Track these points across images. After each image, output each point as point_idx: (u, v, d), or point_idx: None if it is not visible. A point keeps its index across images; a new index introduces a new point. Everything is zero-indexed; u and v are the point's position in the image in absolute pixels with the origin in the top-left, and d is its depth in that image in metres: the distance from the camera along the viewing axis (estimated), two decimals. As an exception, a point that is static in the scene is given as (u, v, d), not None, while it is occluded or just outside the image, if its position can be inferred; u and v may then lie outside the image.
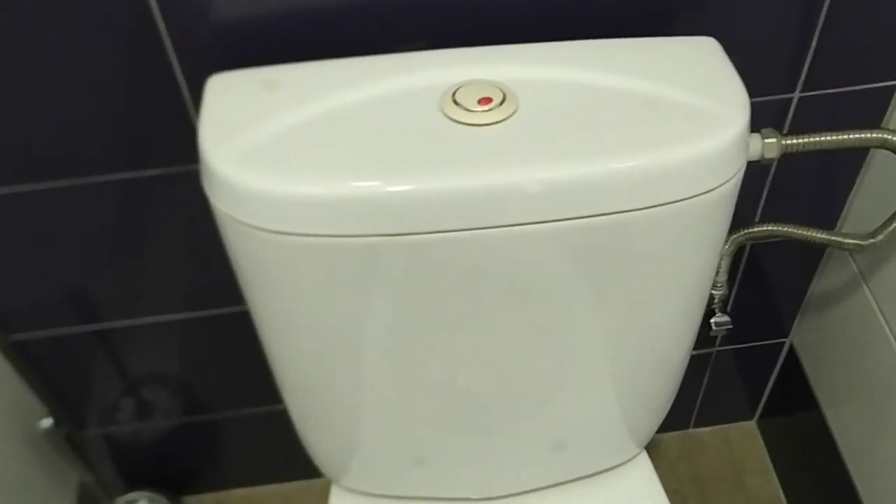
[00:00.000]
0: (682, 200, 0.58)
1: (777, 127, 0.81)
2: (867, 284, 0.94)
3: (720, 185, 0.58)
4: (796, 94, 0.78)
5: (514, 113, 0.58)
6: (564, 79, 0.61)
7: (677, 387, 0.78)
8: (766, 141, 0.67)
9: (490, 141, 0.56)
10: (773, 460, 1.26)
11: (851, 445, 1.06)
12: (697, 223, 0.60)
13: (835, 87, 0.78)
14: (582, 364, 0.70)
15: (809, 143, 0.67)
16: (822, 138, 0.68)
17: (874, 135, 0.67)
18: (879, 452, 1.00)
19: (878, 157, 0.87)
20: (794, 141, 0.67)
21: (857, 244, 0.80)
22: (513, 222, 0.56)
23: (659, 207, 0.57)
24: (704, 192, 0.58)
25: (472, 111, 0.58)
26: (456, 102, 0.58)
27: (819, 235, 0.82)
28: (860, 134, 0.67)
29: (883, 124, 0.83)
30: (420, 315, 0.62)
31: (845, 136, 0.68)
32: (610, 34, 0.68)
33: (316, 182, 0.54)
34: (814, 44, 0.74)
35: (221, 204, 0.57)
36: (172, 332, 0.94)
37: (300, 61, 0.63)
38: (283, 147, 0.56)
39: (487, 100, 0.58)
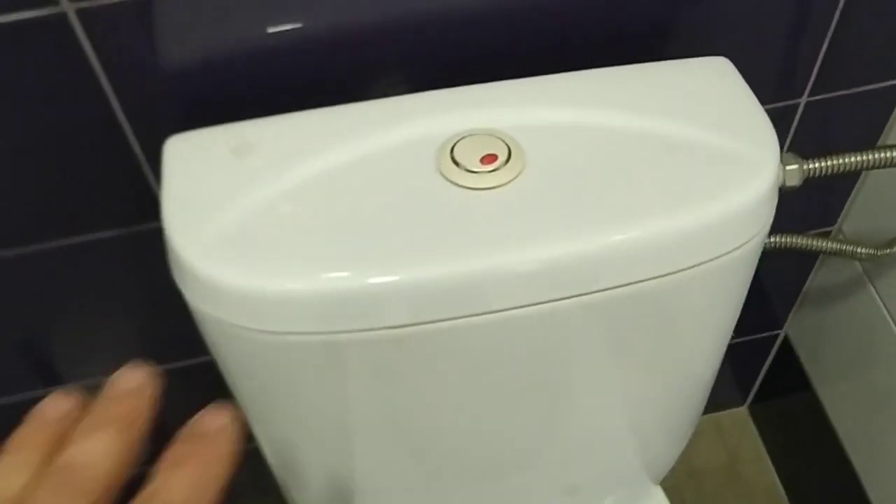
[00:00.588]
0: (713, 260, 0.52)
1: (782, 134, 0.75)
2: (869, 279, 0.90)
3: (753, 238, 0.53)
4: (803, 100, 0.73)
5: (521, 171, 0.51)
6: (574, 122, 0.54)
7: (697, 422, 0.73)
8: (788, 168, 0.61)
9: (498, 209, 0.50)
10: (766, 446, 1.24)
11: (847, 425, 1.04)
12: (728, 278, 0.55)
13: (842, 90, 0.73)
14: (600, 419, 0.64)
15: (833, 165, 0.62)
16: (846, 160, 0.62)
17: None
18: (876, 431, 0.98)
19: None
20: (817, 165, 0.62)
21: (871, 254, 0.75)
22: (527, 303, 0.50)
23: (688, 270, 0.51)
24: (737, 248, 0.52)
25: (474, 172, 0.51)
26: (455, 161, 0.51)
27: (831, 245, 0.77)
28: (885, 153, 0.62)
29: (889, 123, 0.78)
30: (421, 402, 0.56)
31: (869, 157, 0.62)
32: (611, 53, 0.61)
33: (298, 277, 0.47)
34: (824, 47, 0.68)
35: (195, 299, 0.50)
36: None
37: (268, 110, 0.55)
38: (262, 231, 0.49)
39: (492, 157, 0.51)
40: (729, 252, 0.52)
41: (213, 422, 0.29)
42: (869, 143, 0.81)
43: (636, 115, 0.54)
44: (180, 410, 0.91)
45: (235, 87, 0.58)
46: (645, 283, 0.51)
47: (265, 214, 0.50)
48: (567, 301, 0.50)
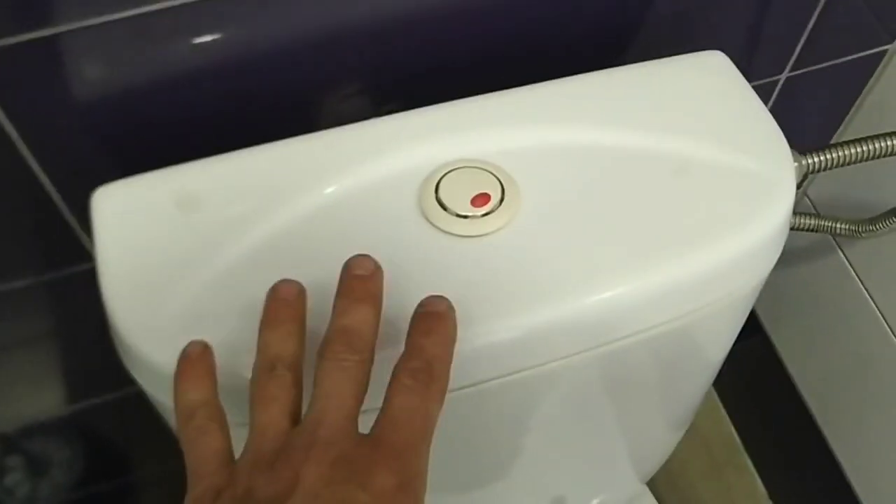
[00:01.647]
0: (731, 293, 0.47)
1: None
2: (837, 243, 0.88)
3: (771, 265, 0.48)
4: (784, 75, 0.68)
5: (516, 213, 0.45)
6: (568, 144, 0.48)
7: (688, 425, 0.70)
8: (787, 168, 0.56)
9: (497, 261, 0.43)
10: (720, 396, 1.24)
11: (801, 370, 1.03)
12: (742, 305, 0.50)
13: (823, 62, 0.68)
14: (596, 441, 0.60)
15: (832, 159, 0.57)
16: (846, 152, 0.57)
17: (899, 141, 0.58)
18: (831, 371, 0.97)
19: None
20: (817, 159, 0.57)
21: (852, 230, 0.72)
22: (537, 363, 0.44)
23: (706, 307, 0.47)
24: (756, 278, 0.47)
25: (465, 217, 0.44)
26: (442, 204, 0.44)
27: (806, 221, 0.74)
28: (883, 142, 0.58)
29: (866, 91, 0.74)
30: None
31: (870, 146, 0.58)
32: (592, 52, 0.54)
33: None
34: (812, 22, 0.63)
35: (152, 389, 0.43)
36: (63, 425, 0.78)
37: (208, 144, 0.47)
38: (222, 307, 0.42)
39: (484, 197, 0.45)
40: (748, 282, 0.47)
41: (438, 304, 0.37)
42: (842, 113, 0.77)
43: (635, 131, 0.48)
44: (129, 438, 0.83)
45: (167, 119, 0.49)
46: (660, 326, 0.46)
47: (225, 287, 0.42)
48: (580, 356, 0.45)
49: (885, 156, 0.58)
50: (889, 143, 0.58)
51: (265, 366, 0.35)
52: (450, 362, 0.36)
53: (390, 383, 0.35)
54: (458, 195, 0.44)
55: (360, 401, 0.34)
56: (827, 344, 0.96)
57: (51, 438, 0.93)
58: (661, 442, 0.68)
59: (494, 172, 0.46)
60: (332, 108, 0.53)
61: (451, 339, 0.36)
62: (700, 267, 0.44)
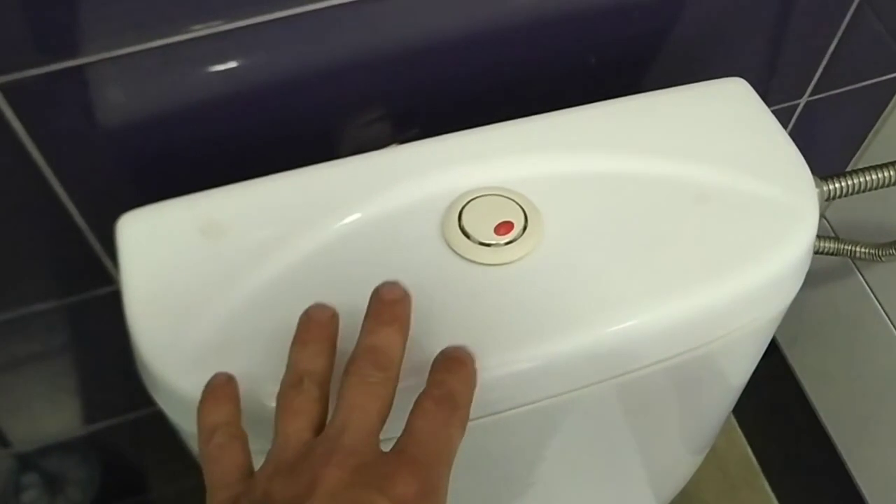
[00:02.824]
0: (755, 320, 0.47)
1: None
2: (855, 266, 0.88)
3: (795, 291, 0.48)
4: (804, 99, 0.68)
5: (540, 241, 0.45)
6: (590, 171, 0.48)
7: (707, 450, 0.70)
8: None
9: (522, 288, 0.43)
10: (736, 416, 1.23)
11: (819, 389, 1.03)
12: (766, 331, 0.50)
13: (843, 87, 0.68)
14: (618, 468, 0.60)
15: (853, 185, 0.57)
16: (866, 178, 0.57)
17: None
18: (844, 392, 0.97)
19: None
20: (838, 185, 0.57)
21: (871, 254, 0.72)
22: (560, 392, 0.44)
23: (730, 334, 0.46)
24: (774, 308, 0.47)
25: (489, 245, 0.44)
26: (465, 232, 0.44)
27: (825, 245, 0.74)
28: (900, 169, 0.58)
29: (885, 114, 0.74)
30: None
31: (891, 172, 0.58)
32: (611, 80, 0.55)
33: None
34: (831, 48, 0.63)
35: (177, 417, 0.43)
36: (80, 444, 0.79)
37: (230, 171, 0.47)
38: (248, 334, 0.42)
39: (507, 226, 0.45)
40: (772, 310, 0.47)
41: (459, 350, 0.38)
42: (861, 137, 0.77)
43: (658, 159, 0.48)
44: (146, 458, 0.83)
45: (192, 146, 0.50)
46: (681, 355, 0.46)
47: (249, 314, 0.42)
48: (600, 385, 0.45)
49: (905, 181, 0.58)
50: (911, 168, 0.58)
51: (293, 380, 0.35)
52: (471, 398, 0.37)
53: (413, 409, 0.35)
54: (481, 223, 0.45)
55: (384, 418, 0.34)
56: (845, 365, 0.95)
57: (68, 457, 0.93)
58: (680, 467, 0.67)
59: (517, 200, 0.46)
60: (354, 135, 0.53)
61: (473, 379, 0.37)
62: (722, 296, 0.44)
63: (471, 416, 0.36)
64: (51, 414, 0.75)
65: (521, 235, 0.44)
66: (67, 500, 0.99)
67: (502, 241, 0.44)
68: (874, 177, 0.57)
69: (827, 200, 0.57)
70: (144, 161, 0.50)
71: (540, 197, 0.46)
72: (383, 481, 0.31)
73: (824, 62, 0.64)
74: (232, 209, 0.46)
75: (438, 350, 0.39)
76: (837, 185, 0.57)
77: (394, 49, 0.50)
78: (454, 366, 0.37)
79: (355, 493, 0.30)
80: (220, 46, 0.45)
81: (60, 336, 0.64)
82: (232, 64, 0.47)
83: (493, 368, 0.41)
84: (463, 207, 0.45)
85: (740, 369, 0.54)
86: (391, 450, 0.33)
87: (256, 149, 0.51)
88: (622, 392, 0.47)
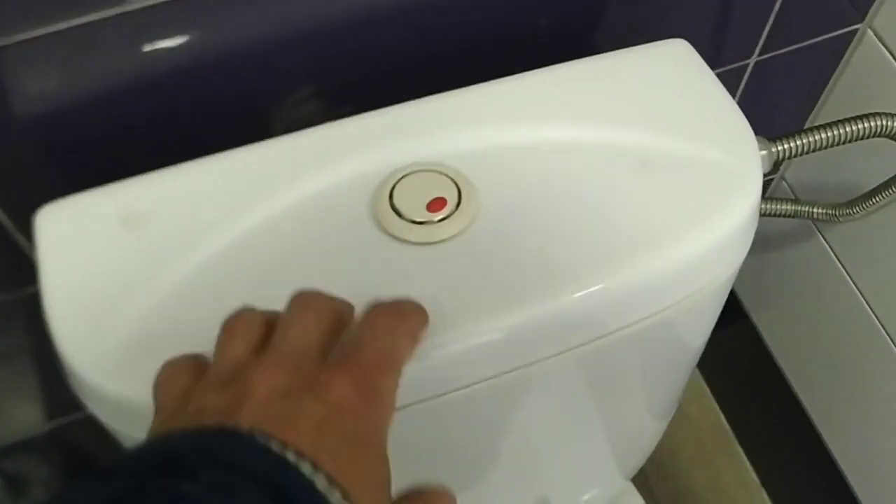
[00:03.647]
0: (704, 287, 0.46)
1: (730, 96, 0.69)
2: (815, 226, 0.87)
3: (743, 254, 0.47)
4: (752, 60, 0.66)
5: (476, 216, 0.43)
6: (527, 142, 0.46)
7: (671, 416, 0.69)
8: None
9: (457, 267, 0.42)
10: (709, 385, 1.23)
11: (786, 353, 1.02)
12: (717, 297, 0.49)
13: (793, 45, 0.67)
14: (577, 443, 0.59)
15: (804, 145, 0.56)
16: (817, 137, 0.56)
17: (871, 123, 0.56)
18: (816, 355, 0.96)
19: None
20: (789, 146, 0.56)
21: (830, 214, 0.71)
22: (507, 369, 0.43)
23: (680, 302, 0.45)
24: (724, 272, 0.46)
25: (421, 223, 0.43)
26: (397, 210, 0.43)
27: (783, 207, 0.73)
28: (855, 125, 0.56)
29: (838, 71, 0.73)
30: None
31: (842, 130, 0.56)
32: (549, 45, 0.53)
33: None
34: (778, 5, 0.62)
35: (106, 418, 0.41)
36: (40, 443, 0.77)
37: (154, 154, 0.45)
38: (173, 327, 0.40)
39: (440, 202, 0.43)
40: (721, 274, 0.46)
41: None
42: (815, 96, 0.75)
43: (597, 126, 0.47)
44: (108, 454, 0.82)
45: (113, 132, 0.48)
46: (634, 324, 0.45)
47: (174, 306, 0.41)
48: (553, 358, 0.44)
49: (857, 139, 0.57)
50: (860, 126, 0.56)
51: (233, 314, 0.34)
52: (422, 321, 0.35)
53: (359, 321, 0.33)
54: (413, 201, 0.43)
55: (325, 336, 0.32)
56: (811, 327, 0.95)
57: (29, 456, 0.91)
58: (645, 435, 0.66)
59: (450, 175, 0.44)
60: (286, 115, 0.52)
61: (424, 310, 0.36)
62: (667, 265, 0.43)
63: (423, 397, 0.34)
64: (8, 413, 0.73)
65: (455, 211, 0.43)
66: (31, 500, 0.97)
67: (435, 219, 0.43)
68: (825, 135, 0.56)
69: (778, 162, 0.56)
70: (65, 151, 0.48)
71: (475, 171, 0.45)
72: (320, 387, 0.29)
73: (771, 20, 0.63)
74: (154, 197, 0.44)
75: None
76: (788, 145, 0.55)
77: (321, 20, 0.48)
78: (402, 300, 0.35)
79: (289, 400, 0.29)
80: (137, 26, 0.43)
81: (6, 334, 0.62)
82: (150, 45, 0.45)
83: (434, 348, 0.39)
84: (394, 185, 0.44)
85: (697, 332, 0.53)
86: (331, 358, 0.31)
87: (183, 134, 0.49)
88: (577, 363, 0.46)
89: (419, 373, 0.40)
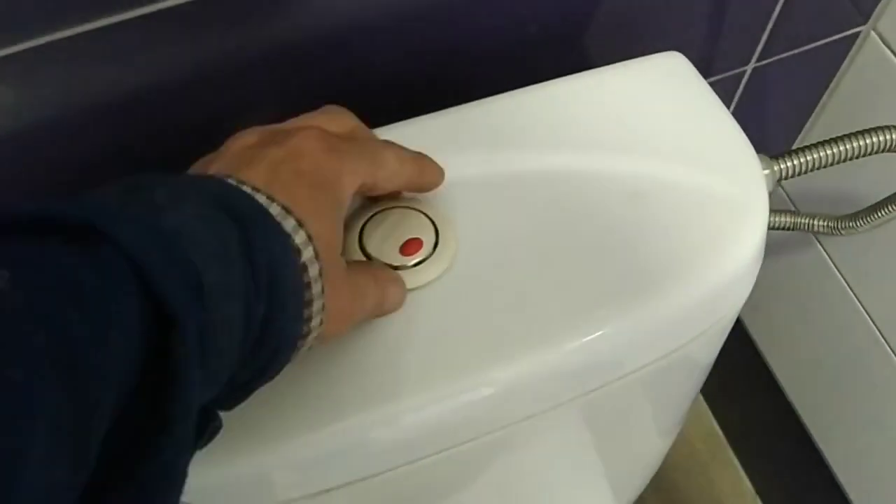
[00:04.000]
0: (705, 331, 0.42)
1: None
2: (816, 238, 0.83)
3: (746, 295, 0.43)
4: (750, 66, 0.62)
5: (454, 259, 0.39)
6: (513, 172, 0.42)
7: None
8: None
9: (431, 320, 0.37)
10: (701, 391, 1.19)
11: (780, 360, 0.99)
12: (717, 339, 0.45)
13: (793, 50, 0.63)
14: (572, 480, 0.55)
15: (805, 163, 0.52)
16: (821, 153, 0.52)
17: (881, 137, 0.52)
18: (806, 362, 0.93)
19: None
20: (790, 164, 0.52)
21: (832, 227, 0.67)
22: (502, 425, 0.39)
23: (679, 350, 0.41)
24: (732, 308, 0.42)
25: (395, 268, 0.38)
26: (366, 253, 0.38)
27: (783, 220, 0.69)
28: (863, 140, 0.52)
29: (838, 76, 0.69)
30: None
31: (844, 147, 0.52)
32: (539, 59, 0.49)
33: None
34: (778, 8, 0.57)
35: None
36: None
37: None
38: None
39: (415, 244, 0.39)
40: (729, 311, 0.42)
41: None
42: (813, 103, 0.71)
43: (588, 151, 0.43)
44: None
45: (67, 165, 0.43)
46: (630, 374, 0.40)
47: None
48: (545, 413, 0.40)
49: (865, 155, 0.53)
50: (868, 140, 0.53)
51: None
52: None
53: None
54: (385, 242, 0.38)
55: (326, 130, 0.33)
56: (805, 335, 0.92)
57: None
58: (647, 463, 0.63)
59: (426, 211, 0.40)
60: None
61: None
62: (671, 307, 0.39)
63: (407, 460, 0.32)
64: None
65: (433, 254, 0.38)
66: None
67: (410, 263, 0.38)
68: (831, 151, 0.52)
69: (780, 181, 0.52)
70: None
71: (453, 205, 0.40)
72: (284, 137, 0.31)
73: (771, 23, 0.58)
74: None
75: (343, 397, 0.34)
76: (790, 163, 0.51)
77: (292, 38, 0.43)
78: None
79: (253, 150, 0.31)
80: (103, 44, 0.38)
81: None
82: (112, 66, 0.40)
83: (412, 409, 0.35)
84: (364, 224, 0.39)
85: (704, 364, 0.49)
86: None
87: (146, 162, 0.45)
88: (574, 414, 0.42)
89: (398, 437, 0.36)
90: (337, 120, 0.35)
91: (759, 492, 1.14)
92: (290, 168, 0.30)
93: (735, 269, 0.40)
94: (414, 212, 0.40)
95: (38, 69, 0.38)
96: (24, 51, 0.36)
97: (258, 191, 0.28)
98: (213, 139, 0.44)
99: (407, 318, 0.37)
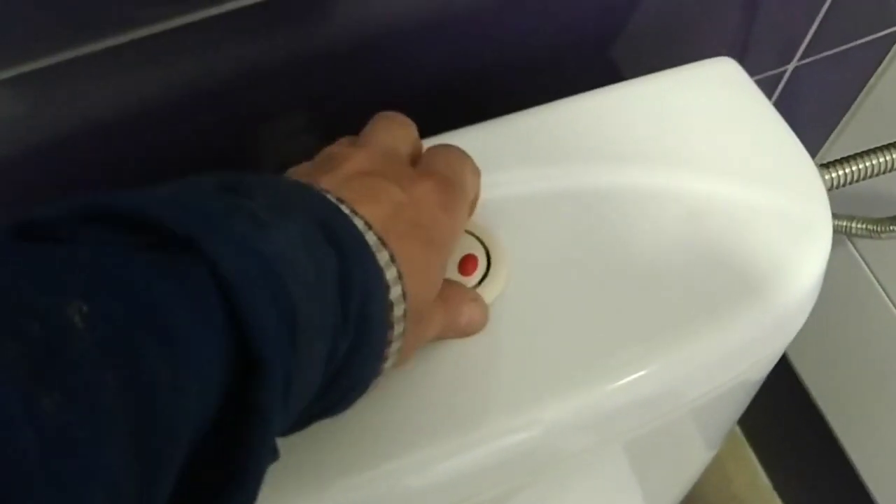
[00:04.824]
0: (759, 360, 0.40)
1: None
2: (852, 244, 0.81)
3: (806, 314, 0.41)
4: (792, 65, 0.60)
5: (507, 281, 0.37)
6: (561, 189, 0.40)
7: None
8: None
9: (479, 353, 0.35)
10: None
11: (802, 356, 0.98)
12: (769, 366, 0.43)
13: (833, 49, 0.60)
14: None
15: (859, 171, 0.50)
16: (874, 161, 0.50)
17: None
18: (830, 359, 0.92)
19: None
20: (843, 172, 0.50)
21: (869, 230, 0.65)
22: (547, 465, 0.37)
23: (734, 378, 0.39)
24: (789, 337, 0.40)
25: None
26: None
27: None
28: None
29: (876, 75, 0.67)
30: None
31: (894, 155, 0.50)
32: (586, 58, 0.46)
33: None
34: (825, 8, 0.55)
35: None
36: None
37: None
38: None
39: (470, 262, 0.37)
40: (787, 340, 0.40)
41: None
42: (849, 101, 0.69)
43: (640, 167, 0.40)
44: None
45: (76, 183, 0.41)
46: (680, 409, 0.39)
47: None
48: (600, 448, 0.38)
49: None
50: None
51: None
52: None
53: (427, 153, 0.34)
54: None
55: (408, 146, 0.33)
56: (829, 331, 0.90)
57: None
58: (686, 482, 0.61)
59: (474, 232, 0.38)
60: (275, 153, 0.45)
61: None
62: (728, 339, 0.37)
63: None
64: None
65: (487, 275, 0.37)
66: None
67: (471, 283, 0.36)
68: (881, 160, 0.50)
69: (828, 191, 0.50)
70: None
71: (500, 225, 0.38)
72: (405, 180, 0.30)
73: (818, 20, 0.56)
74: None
75: (382, 439, 0.33)
76: (840, 172, 0.49)
77: (315, 47, 0.41)
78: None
79: (373, 179, 0.29)
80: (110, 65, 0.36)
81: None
82: (122, 82, 0.38)
83: (461, 449, 0.33)
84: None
85: (751, 392, 0.47)
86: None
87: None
88: (620, 445, 0.40)
89: (434, 482, 0.34)
90: (409, 130, 0.35)
91: (776, 487, 1.12)
92: (409, 217, 0.29)
93: (799, 294, 0.38)
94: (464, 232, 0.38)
95: (52, 86, 0.35)
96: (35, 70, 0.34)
97: (370, 227, 0.27)
98: (240, 148, 0.43)
99: (457, 351, 0.35)
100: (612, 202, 0.39)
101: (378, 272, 0.26)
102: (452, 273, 0.36)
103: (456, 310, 0.33)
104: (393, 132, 0.33)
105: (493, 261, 0.37)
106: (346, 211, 0.27)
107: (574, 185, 0.40)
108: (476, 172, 0.35)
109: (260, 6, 0.36)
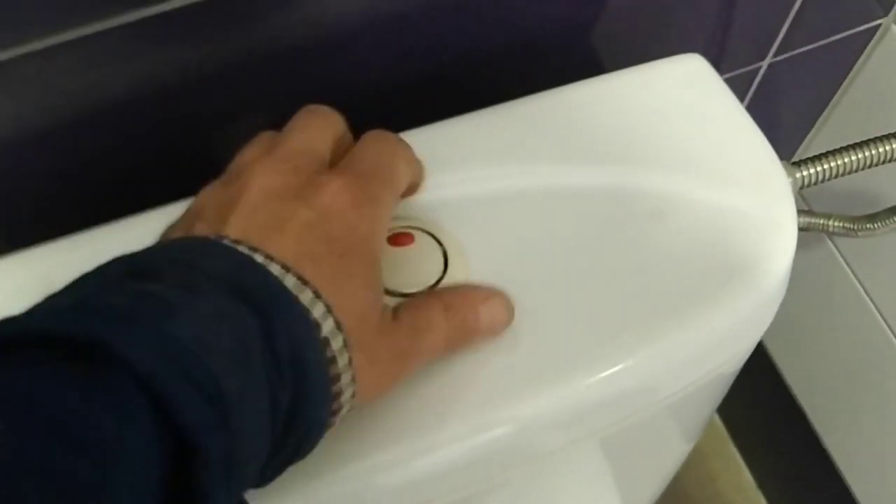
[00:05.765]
0: (730, 357, 0.39)
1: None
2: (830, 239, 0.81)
3: (772, 315, 0.40)
4: (766, 62, 0.59)
5: (465, 280, 0.36)
6: (521, 188, 0.39)
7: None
8: (780, 184, 0.48)
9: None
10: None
11: (783, 353, 0.98)
12: (740, 361, 0.43)
13: (809, 45, 0.60)
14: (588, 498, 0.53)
15: (830, 169, 0.49)
16: (846, 159, 0.49)
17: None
18: (812, 356, 0.92)
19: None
20: (813, 171, 0.49)
21: (847, 228, 0.64)
22: (508, 467, 0.36)
23: (706, 374, 0.39)
24: (759, 330, 0.40)
25: (404, 294, 0.35)
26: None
27: (799, 220, 0.66)
28: (890, 144, 0.50)
29: (854, 70, 0.66)
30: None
31: (873, 151, 0.50)
32: (549, 53, 0.46)
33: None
34: (798, 3, 0.54)
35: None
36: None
37: (92, 210, 0.38)
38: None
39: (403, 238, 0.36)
40: (757, 333, 0.40)
41: None
42: (827, 97, 0.69)
43: (602, 166, 0.40)
44: None
45: (44, 183, 0.40)
46: (649, 408, 0.38)
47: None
48: (562, 450, 0.37)
49: (889, 161, 0.50)
50: (892, 146, 0.50)
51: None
52: (417, 160, 0.36)
53: (357, 143, 0.33)
54: (392, 269, 0.36)
55: (327, 142, 0.32)
56: (810, 329, 0.90)
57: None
58: (663, 477, 0.61)
59: (432, 232, 0.37)
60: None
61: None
62: (698, 336, 0.36)
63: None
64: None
65: (442, 278, 0.36)
66: None
67: (417, 290, 0.35)
68: (853, 158, 0.49)
69: (799, 190, 0.49)
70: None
71: (458, 224, 0.38)
72: (313, 192, 0.29)
73: (791, 16, 0.56)
74: (76, 265, 0.36)
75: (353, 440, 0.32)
76: (811, 170, 0.49)
77: (275, 43, 0.40)
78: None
79: (279, 204, 0.28)
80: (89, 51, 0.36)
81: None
82: (80, 78, 0.37)
83: (431, 448, 0.33)
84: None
85: (726, 385, 0.47)
86: (331, 167, 0.31)
87: (121, 180, 0.42)
88: (594, 442, 0.40)
89: (408, 480, 0.33)
90: (331, 125, 0.33)
91: (760, 485, 1.12)
92: (320, 235, 0.28)
93: (766, 290, 0.38)
94: (420, 231, 0.37)
95: (27, 76, 0.35)
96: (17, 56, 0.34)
97: (288, 269, 0.26)
98: (208, 142, 0.42)
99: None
100: (574, 201, 0.39)
101: (303, 316, 0.26)
102: (404, 281, 0.35)
103: (466, 315, 0.33)
104: (310, 131, 0.32)
105: (450, 260, 0.36)
106: (260, 259, 0.26)
107: (537, 184, 0.39)
108: (410, 160, 0.34)
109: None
